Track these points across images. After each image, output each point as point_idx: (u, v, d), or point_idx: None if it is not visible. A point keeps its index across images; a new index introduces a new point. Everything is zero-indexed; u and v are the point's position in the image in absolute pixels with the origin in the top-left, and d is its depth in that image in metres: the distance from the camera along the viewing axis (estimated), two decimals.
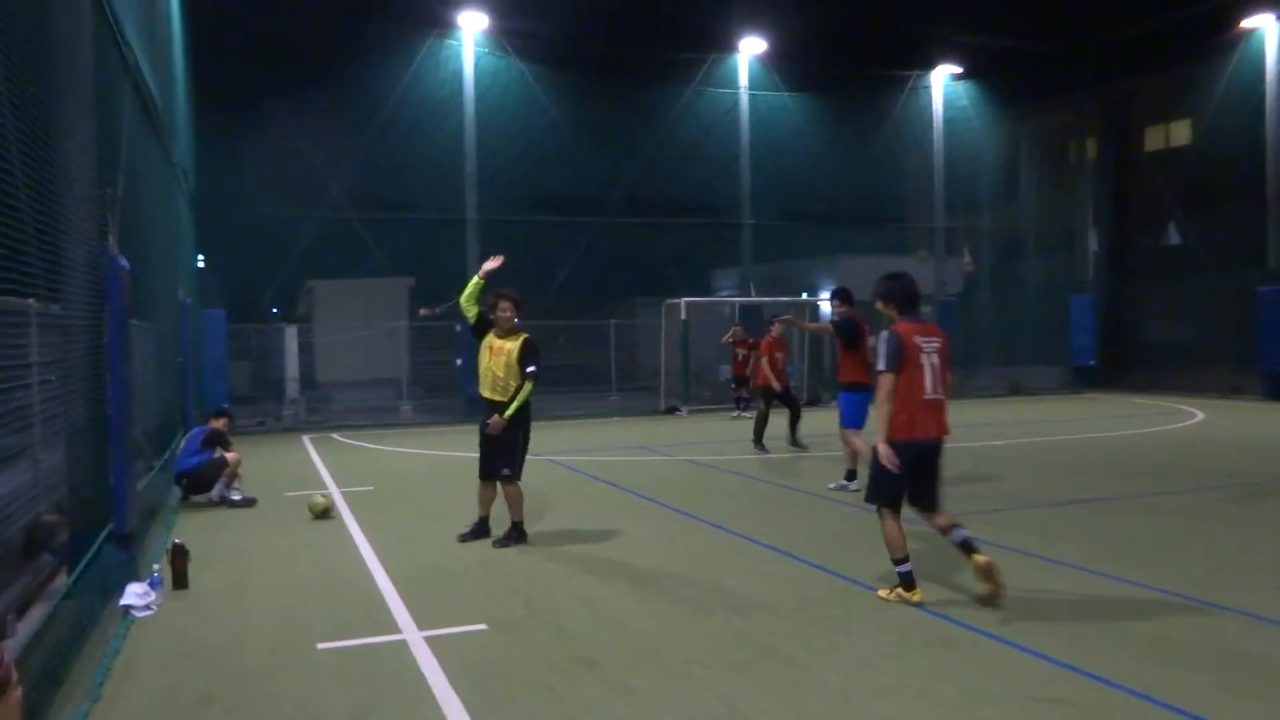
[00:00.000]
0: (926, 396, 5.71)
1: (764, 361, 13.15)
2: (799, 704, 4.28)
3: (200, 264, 19.07)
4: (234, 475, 9.53)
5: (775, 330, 13.36)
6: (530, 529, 8.01)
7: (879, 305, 6.01)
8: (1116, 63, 23.69)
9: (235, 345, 18.57)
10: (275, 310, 21.09)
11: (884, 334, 5.79)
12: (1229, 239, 22.16)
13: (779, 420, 13.52)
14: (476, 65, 20.19)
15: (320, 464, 12.69)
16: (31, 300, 5.21)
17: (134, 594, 5.77)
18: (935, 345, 5.81)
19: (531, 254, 21.47)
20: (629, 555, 7.19)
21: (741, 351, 18.36)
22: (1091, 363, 23.27)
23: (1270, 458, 11.91)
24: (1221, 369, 17.70)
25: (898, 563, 5.85)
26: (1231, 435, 14.33)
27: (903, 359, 5.63)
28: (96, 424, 6.31)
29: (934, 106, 24.29)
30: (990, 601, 5.65)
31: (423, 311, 20.11)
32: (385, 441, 15.22)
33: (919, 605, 5.69)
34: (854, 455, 9.57)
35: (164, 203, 11.77)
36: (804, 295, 23.04)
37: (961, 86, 24.47)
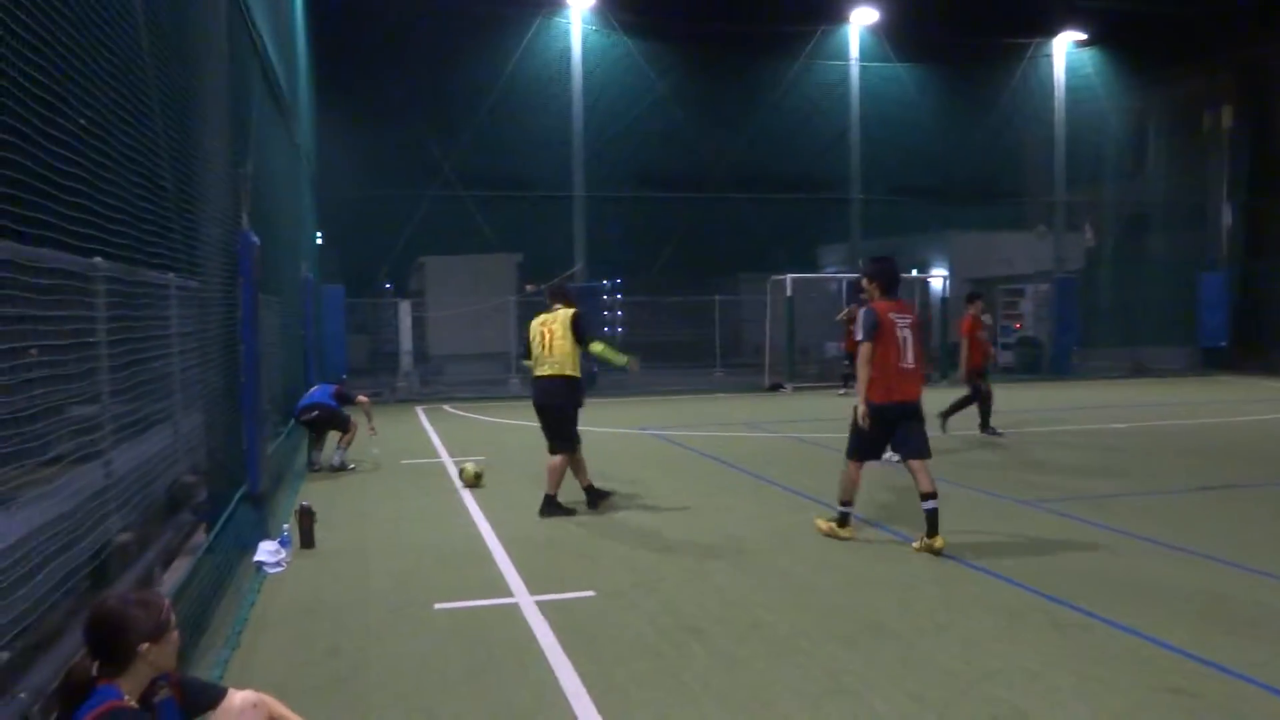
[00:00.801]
0: (902, 365, 6.59)
1: (964, 343, 12.23)
2: (906, 682, 4.26)
3: (319, 241, 19.87)
4: (350, 442, 9.98)
5: (973, 310, 12.45)
6: (635, 502, 8.15)
7: (864, 283, 6.91)
8: (1253, 25, 22.18)
9: (352, 319, 19.32)
10: (389, 285, 21.81)
11: (862, 310, 6.74)
12: None
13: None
14: (584, 43, 20.33)
15: (433, 434, 13.13)
16: (172, 275, 5.56)
17: (266, 551, 6.13)
18: (908, 321, 6.69)
19: (637, 230, 21.61)
20: (734, 528, 7.24)
21: (853, 329, 18.07)
22: (1222, 344, 22.07)
23: None
24: None
25: (844, 504, 6.84)
26: None
27: (879, 332, 6.55)
28: (230, 392, 6.70)
29: (1055, 75, 23.27)
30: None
31: (529, 287, 20.50)
32: (493, 413, 15.62)
33: (848, 540, 6.69)
34: None
35: (289, 182, 12.30)
36: (914, 272, 22.50)
37: (1085, 54, 23.37)
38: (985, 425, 12.08)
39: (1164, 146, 24.51)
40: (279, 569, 6.08)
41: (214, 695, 2.87)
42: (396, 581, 5.90)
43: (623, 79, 20.68)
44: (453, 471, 9.85)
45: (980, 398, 12.09)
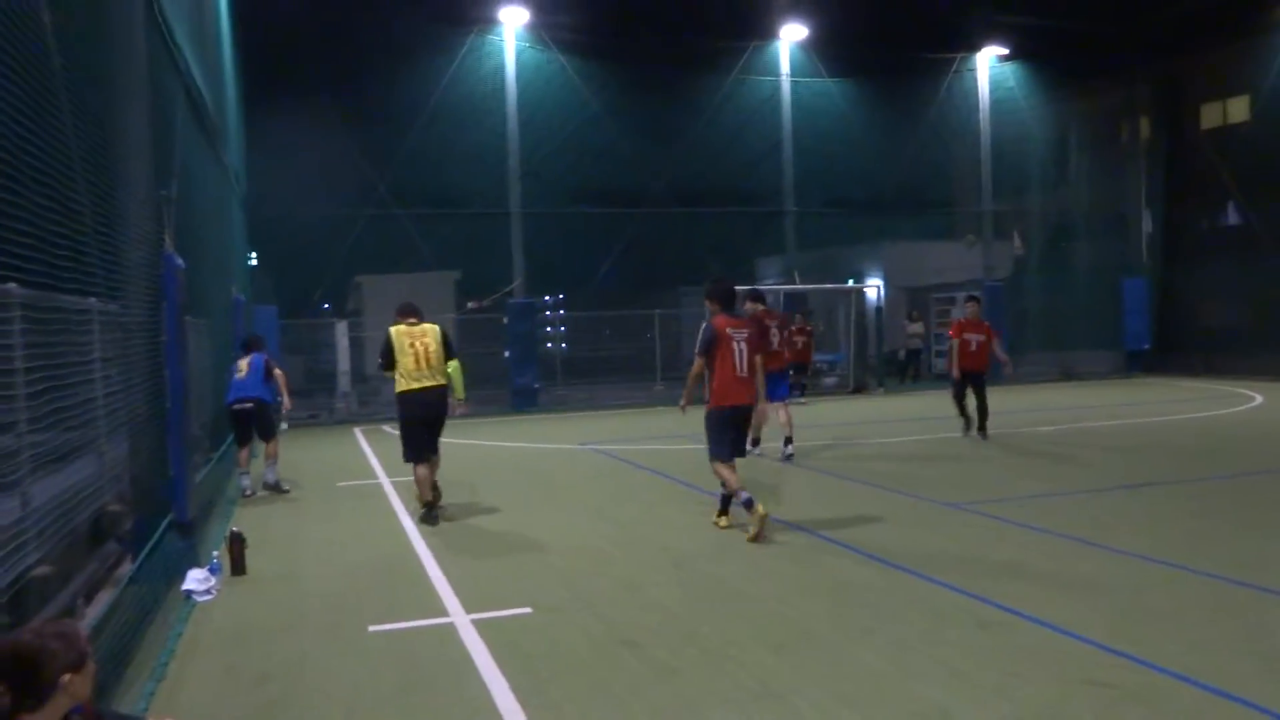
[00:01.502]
0: (737, 374, 7.34)
1: (953, 344, 12.71)
2: (835, 685, 4.35)
3: (253, 262, 19.53)
4: (276, 454, 9.97)
5: (969, 311, 12.98)
6: (574, 517, 8.18)
7: (706, 302, 7.60)
8: (1168, 40, 23.07)
9: (288, 340, 19.00)
10: (326, 305, 21.51)
11: (703, 325, 7.46)
12: None
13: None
14: (518, 60, 20.36)
15: (371, 455, 12.98)
16: (93, 299, 5.45)
17: (195, 579, 6.02)
18: (744, 335, 7.42)
19: (575, 245, 21.63)
20: (670, 540, 7.30)
21: (800, 339, 18.32)
22: (1145, 347, 22.83)
23: None
24: None
25: (732, 495, 7.45)
26: None
27: (714, 346, 7.34)
28: (156, 417, 6.57)
29: (980, 89, 23.94)
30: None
31: (470, 305, 20.38)
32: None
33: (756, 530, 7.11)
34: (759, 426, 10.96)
35: (217, 203, 12.10)
36: (850, 282, 22.90)
37: (1008, 68, 24.07)
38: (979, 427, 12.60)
39: (1086, 157, 25.30)
40: (209, 597, 5.96)
41: None
42: (330, 605, 5.84)
43: (557, 95, 20.74)
44: (390, 492, 9.74)
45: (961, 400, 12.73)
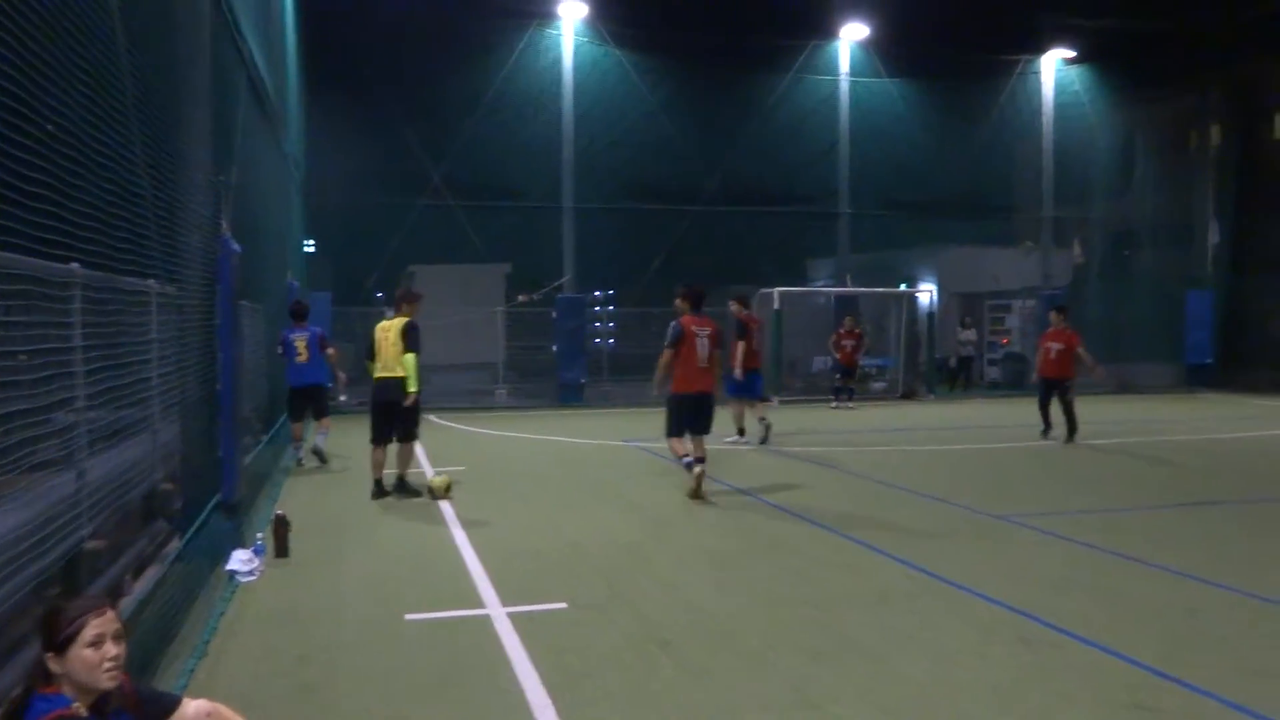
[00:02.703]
0: (699, 365, 8.76)
1: (1040, 350, 13.44)
2: (874, 695, 4.27)
3: (309, 249, 19.84)
4: (328, 427, 10.92)
5: (1053, 320, 13.43)
6: (614, 513, 8.17)
7: (677, 301, 9.10)
8: (1242, 44, 22.34)
9: (340, 327, 19.25)
10: (379, 294, 21.78)
11: (672, 323, 8.85)
12: None
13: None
14: (575, 54, 20.39)
15: (417, 444, 13.07)
16: (152, 281, 5.56)
17: (239, 560, 6.11)
18: (707, 331, 8.83)
19: (626, 242, 21.61)
20: (711, 541, 7.25)
21: (850, 343, 18.14)
22: (1208, 361, 22.16)
23: None
24: None
25: (684, 456, 8.86)
26: None
27: (682, 339, 8.73)
28: (208, 399, 6.68)
29: (1044, 92, 23.43)
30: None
31: (521, 298, 20.49)
32: (480, 424, 15.60)
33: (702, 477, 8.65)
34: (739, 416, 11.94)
35: (275, 190, 12.30)
36: (902, 286, 22.58)
37: (1074, 71, 23.52)
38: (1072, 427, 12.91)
39: (1152, 164, 24.62)
40: (252, 578, 6.05)
41: (168, 704, 2.86)
42: (369, 591, 5.89)
43: (613, 91, 20.74)
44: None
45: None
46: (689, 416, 8.87)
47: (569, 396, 18.79)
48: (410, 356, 8.62)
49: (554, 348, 19.30)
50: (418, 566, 6.50)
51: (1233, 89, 24.10)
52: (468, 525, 7.75)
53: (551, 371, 19.42)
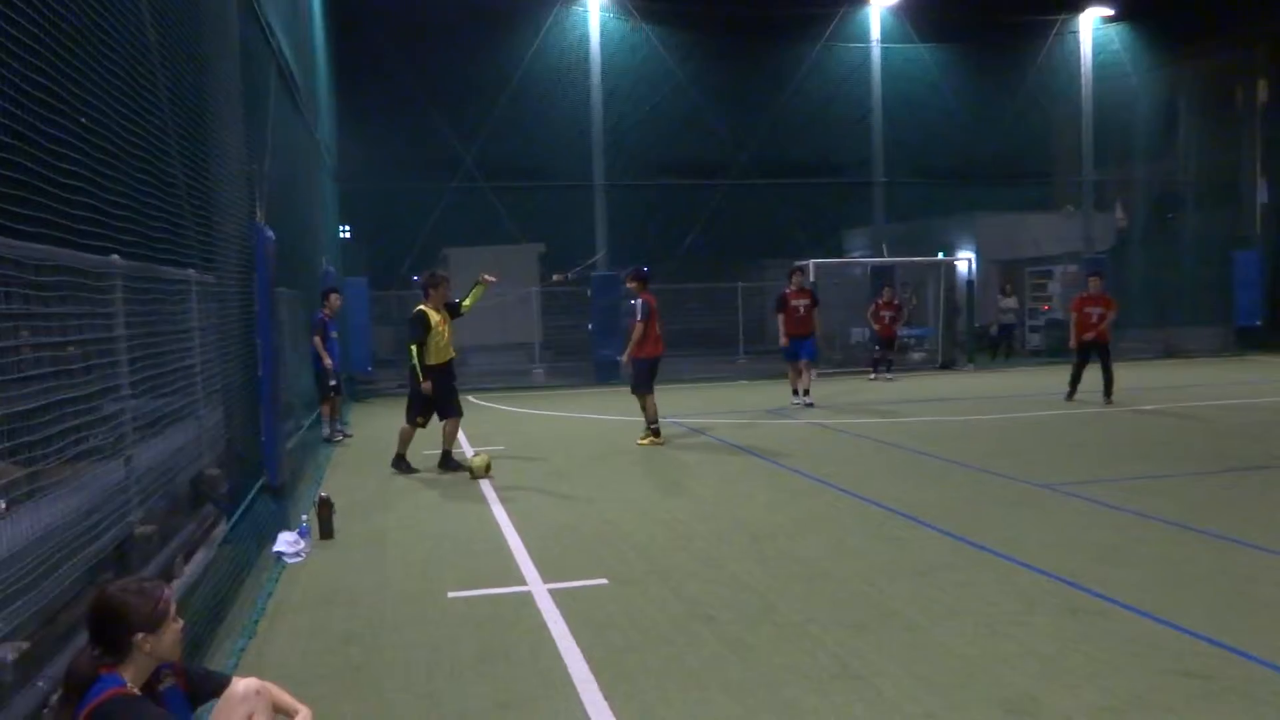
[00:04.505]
0: (659, 333, 10.88)
1: (1075, 316, 13.59)
2: (917, 667, 4.25)
3: (345, 235, 20.01)
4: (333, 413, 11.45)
5: (1091, 285, 13.59)
6: (653, 490, 8.19)
7: (632, 284, 10.93)
8: None
9: (378, 311, 19.46)
10: (416, 278, 21.91)
11: (640, 300, 10.83)
12: None
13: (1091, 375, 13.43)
14: (602, 30, 20.27)
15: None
16: (190, 270, 5.64)
17: (285, 542, 6.22)
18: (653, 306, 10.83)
19: (658, 218, 21.55)
20: (751, 515, 7.24)
21: (888, 313, 17.99)
22: (1258, 323, 21.65)
23: None
24: None
25: (655, 421, 10.75)
26: None
27: (652, 314, 10.77)
28: (249, 385, 6.78)
29: (1082, 52, 22.88)
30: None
31: (555, 277, 20.52)
32: (518, 403, 15.70)
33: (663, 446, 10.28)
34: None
35: (308, 177, 12.40)
36: (940, 255, 22.28)
37: (1113, 30, 22.93)
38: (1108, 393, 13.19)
39: (1196, 123, 23.99)
40: (298, 559, 6.16)
41: (217, 683, 2.92)
42: (412, 571, 5.97)
43: (641, 66, 20.60)
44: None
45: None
46: (652, 376, 10.88)
47: (606, 374, 18.82)
48: (412, 346, 8.96)
49: (589, 326, 19.33)
50: (459, 545, 6.57)
51: (1275, 42, 23.36)
52: (507, 503, 7.82)
53: (588, 349, 19.46)
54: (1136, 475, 8.45)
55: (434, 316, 9.04)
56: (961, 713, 3.81)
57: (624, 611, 5.07)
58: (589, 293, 19.26)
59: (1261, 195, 23.67)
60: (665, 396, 13.15)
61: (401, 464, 9.42)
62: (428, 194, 20.14)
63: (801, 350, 13.90)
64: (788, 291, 14.01)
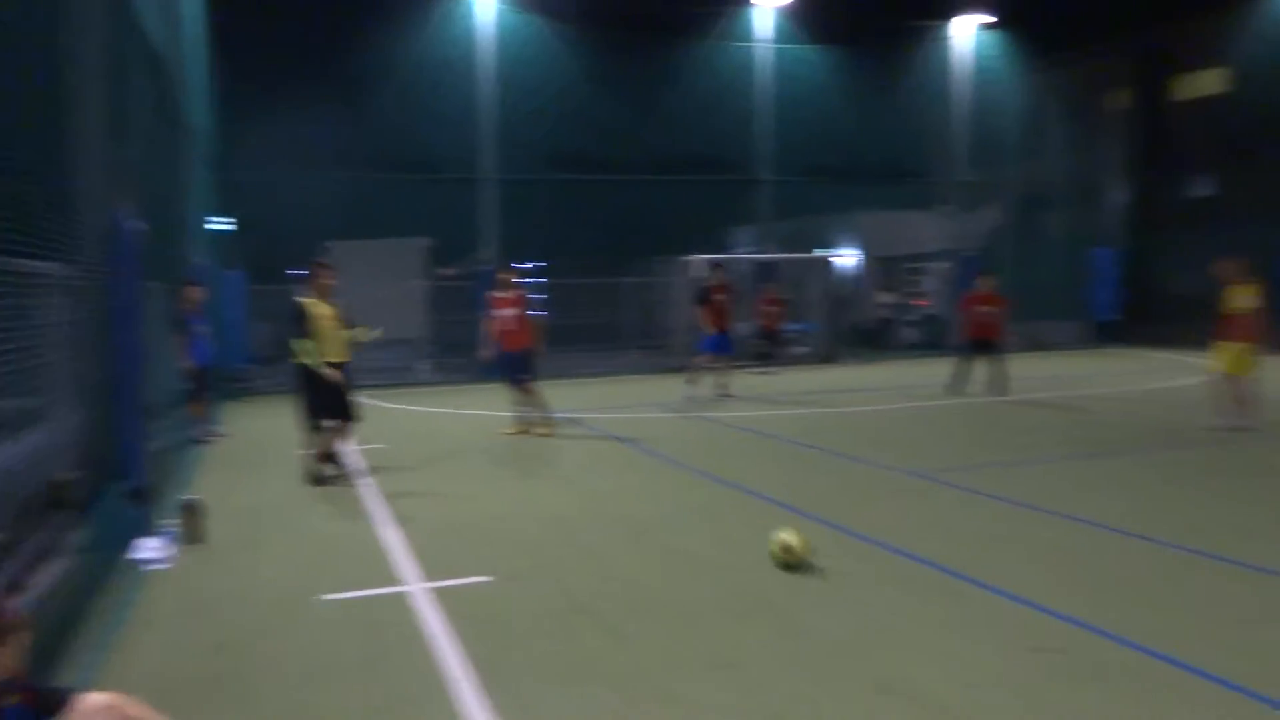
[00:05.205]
0: (502, 329, 10.80)
1: (966, 314, 14.13)
2: (793, 653, 4.36)
3: (225, 226, 19.20)
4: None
5: (981, 284, 14.17)
6: (541, 485, 8.16)
7: (503, 276, 11.06)
8: (1149, 10, 23.04)
9: (258, 306, 18.74)
10: (297, 272, 21.23)
11: (514, 293, 10.71)
12: (1262, 190, 21.65)
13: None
14: (497, 22, 20.00)
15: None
16: (45, 263, 5.31)
17: (150, 547, 5.94)
18: (510, 297, 10.84)
19: (550, 212, 21.43)
20: (636, 509, 7.29)
21: (772, 309, 18.38)
22: (1115, 317, 23.00)
23: None
24: None
25: (538, 412, 10.88)
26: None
27: (519, 305, 10.82)
28: (110, 383, 6.44)
29: (962, 57, 23.81)
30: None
31: (444, 272, 20.17)
32: (402, 400, 15.40)
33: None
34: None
35: (177, 164, 11.86)
36: (822, 251, 22.84)
37: (991, 36, 23.94)
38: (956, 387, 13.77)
39: (1063, 127, 25.30)
40: (164, 565, 5.89)
41: (64, 698, 2.77)
42: (286, 575, 5.78)
43: (534, 59, 20.42)
44: (355, 457, 9.67)
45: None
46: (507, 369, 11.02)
47: (494, 370, 18.59)
48: (299, 341, 8.39)
49: (478, 321, 19.05)
50: (335, 547, 6.40)
51: (1139, 54, 24.89)
52: (390, 503, 7.65)
53: (478, 345, 19.18)
54: (1000, 462, 8.87)
55: (317, 309, 8.46)
56: (833, 694, 3.93)
57: (506, 608, 5.04)
58: (477, 288, 19.02)
59: (1120, 197, 25.18)
60: (554, 391, 13.14)
61: (326, 469, 8.53)
62: (312, 185, 19.52)
63: (721, 344, 14.20)
64: (710, 285, 14.30)
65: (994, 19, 23.43)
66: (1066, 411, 12.21)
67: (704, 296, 14.29)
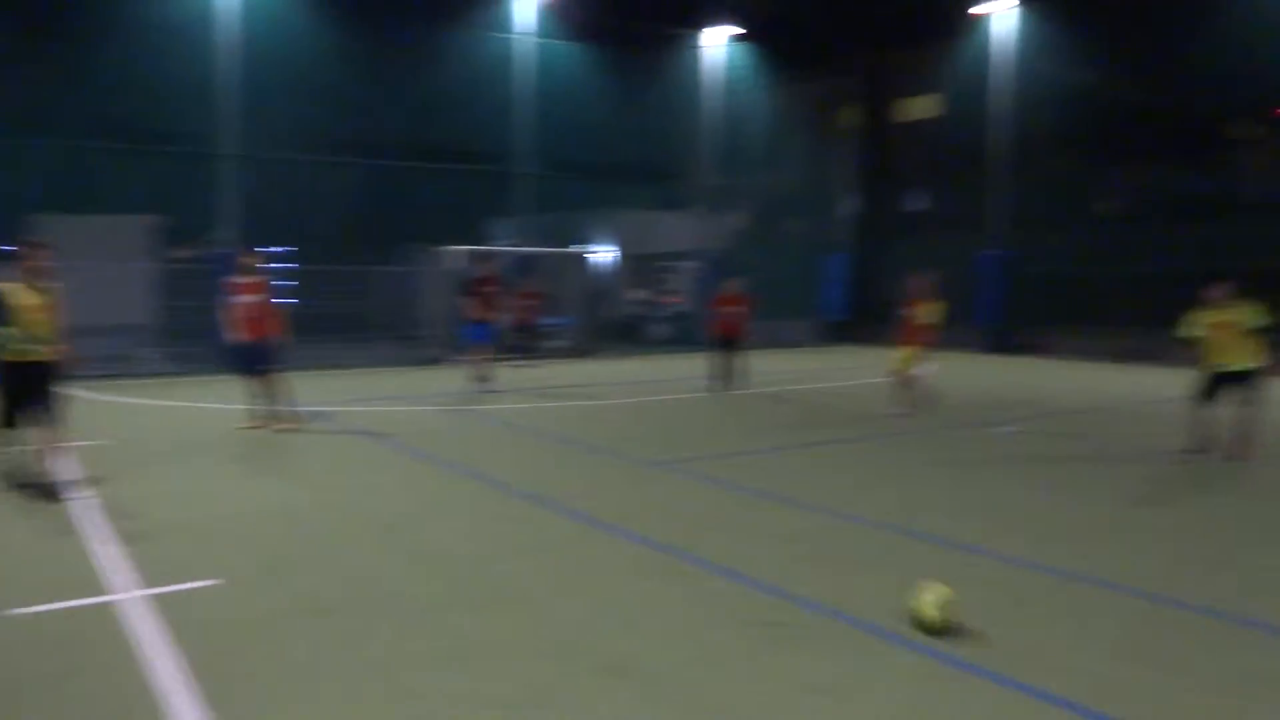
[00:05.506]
0: (242, 316, 10.17)
1: (714, 313, 14.55)
2: (532, 641, 4.45)
3: None
4: None
5: (728, 285, 14.65)
6: (278, 482, 7.78)
7: (248, 260, 10.43)
8: (877, 36, 25.31)
9: None
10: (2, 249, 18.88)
11: (255, 279, 10.27)
12: (964, 206, 24.39)
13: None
14: None
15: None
16: None
17: None
18: (252, 283, 10.25)
19: (297, 195, 20.38)
20: (377, 503, 7.13)
21: (527, 302, 18.46)
22: (843, 317, 25.10)
23: (983, 398, 13.37)
24: (950, 324, 19.77)
25: (282, 405, 10.26)
26: (953, 382, 15.90)
27: (259, 292, 10.23)
28: None
29: (712, 66, 24.98)
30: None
31: (176, 253, 18.62)
32: (128, 393, 14.12)
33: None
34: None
35: None
36: (577, 247, 23.25)
37: (740, 48, 25.27)
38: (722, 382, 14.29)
39: (801, 139, 27.24)
40: None
41: None
42: None
43: (283, 31, 19.20)
44: (67, 456, 8.77)
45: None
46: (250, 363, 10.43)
47: (231, 360, 17.44)
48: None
49: (215, 308, 17.78)
50: (37, 556, 5.79)
51: (867, 76, 27.31)
52: (108, 505, 7.01)
53: (214, 333, 17.88)
54: (729, 451, 9.47)
55: (20, 297, 7.34)
56: (567, 679, 4.06)
57: (233, 613, 4.78)
58: (215, 272, 17.74)
59: (849, 206, 27.52)
60: (301, 383, 12.57)
61: (33, 470, 7.67)
62: (22, 153, 17.37)
63: (486, 335, 14.24)
64: (479, 276, 14.35)
65: (743, 32, 24.78)
66: (796, 404, 13.20)
67: (472, 288, 14.22)
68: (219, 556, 5.75)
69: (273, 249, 20.18)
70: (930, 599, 4.56)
